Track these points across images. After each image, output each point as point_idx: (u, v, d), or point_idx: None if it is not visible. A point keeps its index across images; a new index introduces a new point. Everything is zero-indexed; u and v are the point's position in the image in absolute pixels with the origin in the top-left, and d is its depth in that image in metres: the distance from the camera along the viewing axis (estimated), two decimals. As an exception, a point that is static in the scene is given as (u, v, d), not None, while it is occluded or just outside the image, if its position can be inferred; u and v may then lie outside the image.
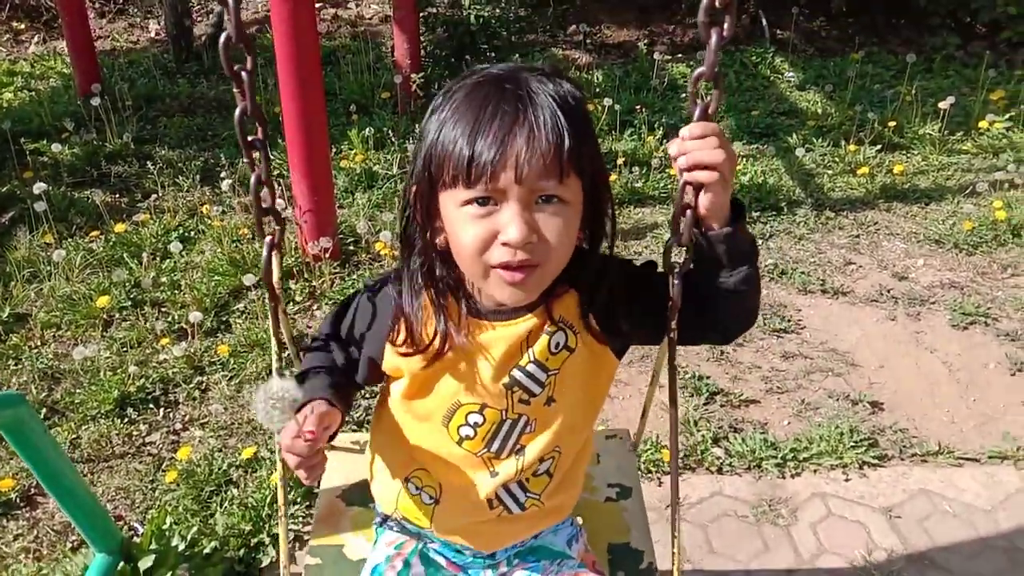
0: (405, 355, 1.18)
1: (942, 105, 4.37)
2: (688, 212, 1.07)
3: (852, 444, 2.55)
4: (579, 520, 1.45)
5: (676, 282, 1.13)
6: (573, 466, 1.32)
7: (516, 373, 1.17)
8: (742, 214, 1.10)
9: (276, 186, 3.59)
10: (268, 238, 1.23)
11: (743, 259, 1.12)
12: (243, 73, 1.10)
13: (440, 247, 1.12)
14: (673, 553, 1.29)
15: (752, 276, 1.13)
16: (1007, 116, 4.57)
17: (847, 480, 2.47)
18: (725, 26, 0.98)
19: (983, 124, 4.54)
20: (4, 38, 6.42)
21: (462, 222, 1.04)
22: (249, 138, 1.15)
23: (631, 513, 1.60)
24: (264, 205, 1.21)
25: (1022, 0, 5.73)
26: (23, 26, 6.58)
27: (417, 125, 4.48)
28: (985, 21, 5.92)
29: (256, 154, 1.17)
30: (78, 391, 2.84)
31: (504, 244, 1.02)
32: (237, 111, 1.11)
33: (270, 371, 2.86)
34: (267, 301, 1.27)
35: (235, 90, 1.11)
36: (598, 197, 1.10)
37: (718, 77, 1.01)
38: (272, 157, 4.23)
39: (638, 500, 1.63)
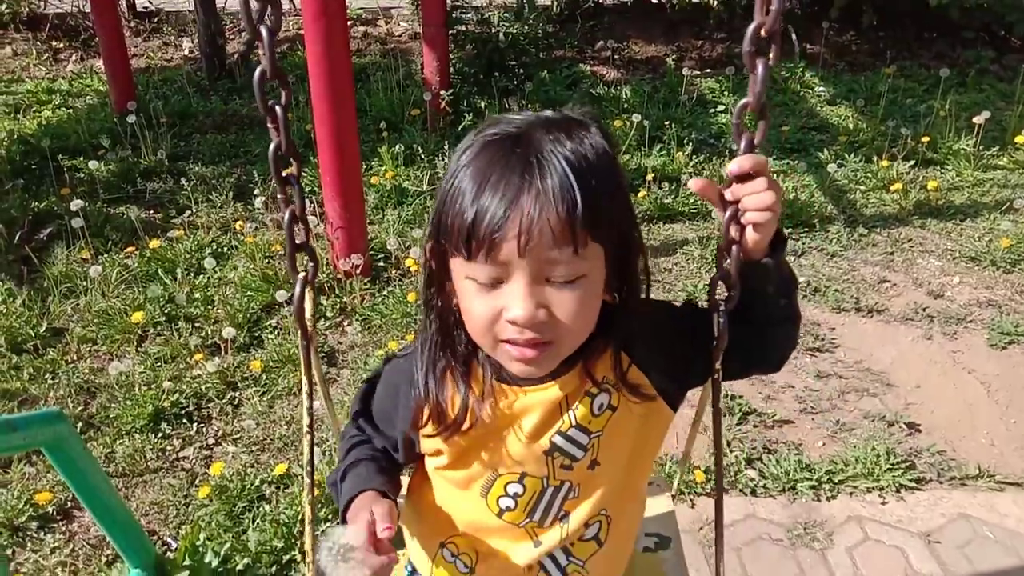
0: (435, 436, 1.12)
1: (977, 120, 4.31)
2: (734, 248, 1.02)
3: (889, 467, 2.51)
4: None
5: (722, 320, 1.07)
6: (626, 531, 1.23)
7: (556, 439, 1.09)
8: (784, 242, 1.05)
9: (308, 204, 3.64)
10: (301, 275, 1.18)
11: (788, 288, 1.09)
12: (277, 108, 1.08)
13: (456, 309, 1.04)
14: None
15: (795, 304, 1.11)
16: (1044, 131, 4.50)
17: (884, 503, 2.42)
18: (771, 55, 0.95)
19: (1019, 139, 4.47)
20: (44, 57, 6.56)
21: (467, 295, 0.98)
22: (284, 173, 1.13)
23: (670, 565, 1.53)
24: (297, 241, 1.17)
25: (1058, 13, 5.65)
26: (62, 45, 6.72)
27: (447, 142, 4.51)
28: (1021, 34, 5.85)
29: (290, 190, 1.14)
30: (113, 406, 2.88)
31: (510, 322, 0.95)
32: (271, 147, 1.10)
33: (302, 387, 2.86)
34: (300, 340, 1.23)
35: (269, 126, 1.09)
36: (626, 258, 1.01)
37: (764, 107, 0.98)
38: (304, 173, 4.32)
39: (677, 551, 1.56)
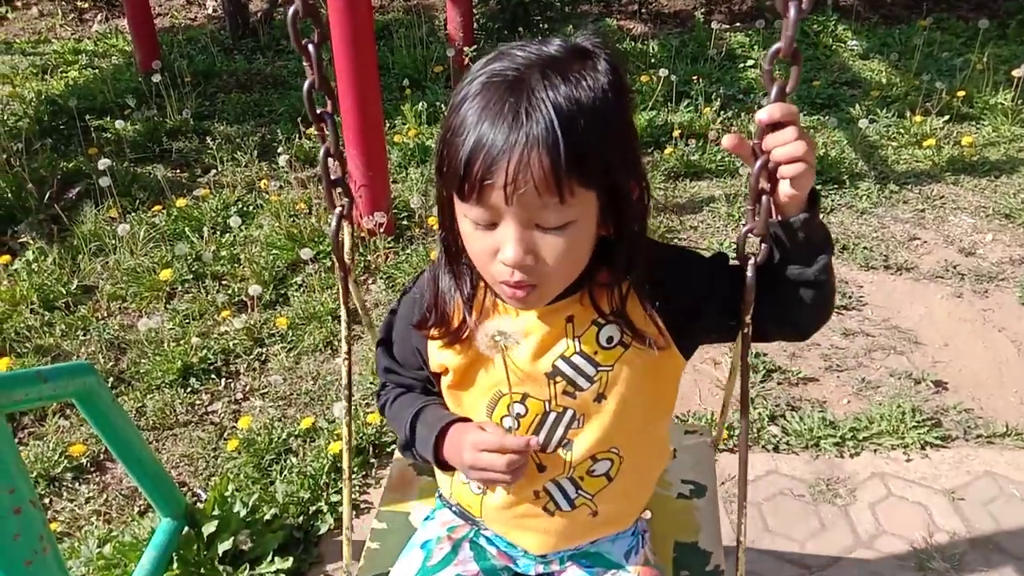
0: (441, 344, 1.16)
1: (1016, 73, 4.18)
2: (764, 199, 1.01)
3: (914, 424, 2.49)
4: (647, 515, 1.38)
5: (750, 275, 1.05)
6: (640, 474, 1.24)
7: (560, 363, 1.11)
8: (817, 199, 1.03)
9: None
10: (337, 209, 1.23)
11: (821, 247, 1.05)
12: (310, 46, 1.11)
13: (461, 238, 1.08)
14: (737, 559, 1.25)
15: (829, 265, 1.06)
16: (1086, 84, 4.35)
17: (908, 460, 2.41)
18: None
19: (1060, 92, 4.34)
20: (69, 17, 6.58)
21: (466, 231, 1.02)
22: (318, 111, 1.16)
23: (703, 512, 1.54)
24: (333, 177, 1.21)
25: (1105, -40, 5.43)
26: (86, 5, 6.73)
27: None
28: (1064, -17, 5.63)
29: (325, 127, 1.18)
30: (143, 361, 2.93)
31: (501, 262, 0.99)
32: (305, 84, 1.13)
33: (328, 344, 2.90)
34: (336, 272, 1.30)
35: (305, 63, 1.13)
36: (621, 197, 1.00)
37: (797, 53, 0.94)
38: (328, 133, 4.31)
39: (712, 500, 1.57)
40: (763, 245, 1.04)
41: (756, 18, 5.74)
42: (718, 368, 2.79)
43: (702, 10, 6.07)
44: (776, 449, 2.48)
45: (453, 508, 1.37)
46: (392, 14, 6.30)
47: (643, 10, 6.15)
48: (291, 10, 1.08)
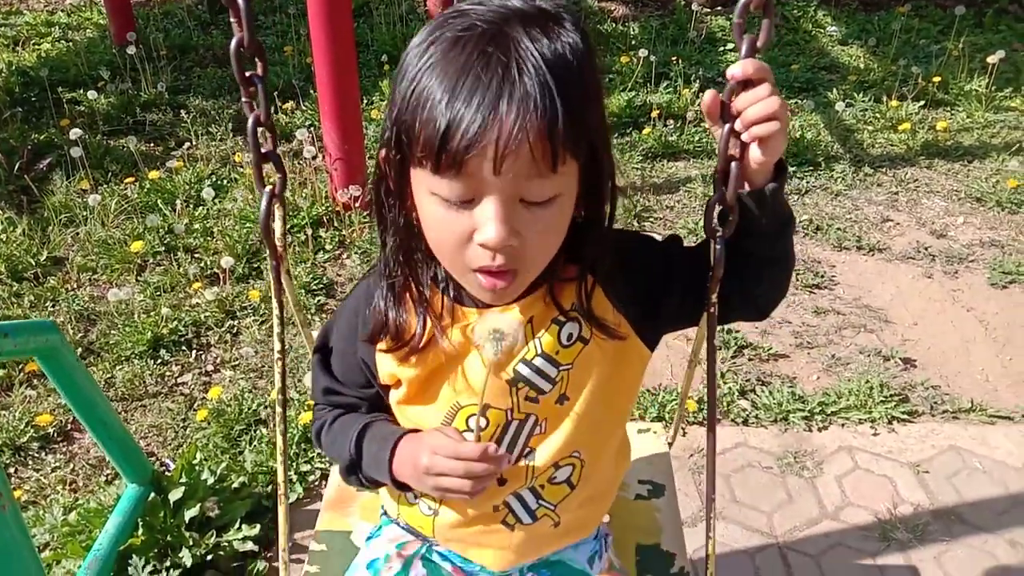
0: (393, 355, 1.05)
1: (991, 60, 4.21)
2: (733, 165, 0.93)
3: (882, 399, 2.52)
4: (605, 519, 1.31)
5: (718, 247, 0.98)
6: (602, 478, 1.16)
7: (521, 368, 1.02)
8: (784, 170, 0.96)
9: (308, 135, 3.61)
10: (267, 188, 1.08)
11: (787, 222, 1.00)
12: (239, 1, 0.98)
13: (416, 224, 0.96)
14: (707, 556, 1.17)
15: (791, 241, 1.02)
16: (1060, 72, 4.41)
17: (875, 435, 2.44)
18: None
19: (1033, 80, 4.39)
20: (42, -11, 6.45)
21: (431, 213, 0.89)
22: (247, 73, 1.02)
23: (664, 513, 1.48)
24: (263, 150, 1.06)
25: (1081, -49, 5.48)
26: (61, -23, 6.61)
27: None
28: (1041, -27, 5.68)
29: (254, 91, 1.03)
30: (113, 332, 2.90)
31: (481, 245, 0.87)
32: (233, 42, 1.00)
33: (297, 325, 2.88)
34: (268, 261, 1.14)
35: (232, 19, 1.00)
36: (597, 172, 0.93)
37: (768, 5, 0.89)
38: (304, 107, 4.27)
39: (671, 499, 1.51)
40: (731, 218, 0.97)
41: (737, 1, 5.73)
42: (690, 343, 2.80)
43: (683, -6, 6.06)
44: (745, 423, 2.50)
45: (401, 524, 1.27)
46: (372, -8, 6.24)
47: (625, -7, 6.13)
48: None
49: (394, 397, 1.11)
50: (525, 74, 0.81)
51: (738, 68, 0.89)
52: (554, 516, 1.13)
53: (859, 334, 2.88)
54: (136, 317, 2.92)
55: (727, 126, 0.92)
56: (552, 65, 0.83)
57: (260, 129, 1.05)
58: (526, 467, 1.09)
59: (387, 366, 1.07)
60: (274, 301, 1.14)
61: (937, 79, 4.38)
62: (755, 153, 0.91)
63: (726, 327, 2.86)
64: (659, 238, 1.11)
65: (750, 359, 2.75)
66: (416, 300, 1.02)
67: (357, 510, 1.50)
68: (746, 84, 0.90)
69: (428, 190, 0.88)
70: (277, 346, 1.14)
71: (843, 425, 2.47)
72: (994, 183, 3.70)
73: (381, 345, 1.06)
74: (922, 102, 4.30)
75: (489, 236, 0.85)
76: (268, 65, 1.05)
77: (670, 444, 1.64)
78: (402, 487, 1.08)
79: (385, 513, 1.32)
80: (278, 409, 1.18)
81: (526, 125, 0.80)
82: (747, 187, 0.95)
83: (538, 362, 1.03)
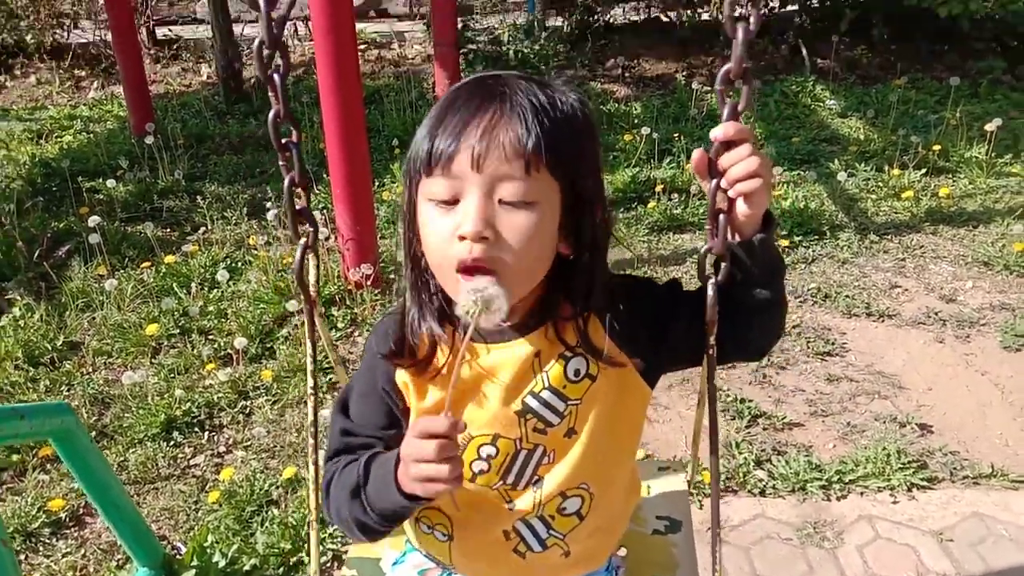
0: (411, 377, 1.10)
1: (989, 127, 4.30)
2: (721, 217, 1.01)
3: (900, 466, 2.48)
4: (622, 552, 1.35)
5: (712, 293, 1.05)
6: (611, 511, 1.20)
7: (530, 400, 1.09)
8: (772, 220, 1.04)
9: (320, 217, 3.69)
10: (302, 240, 1.21)
11: (777, 267, 1.07)
12: (275, 76, 1.12)
13: (420, 255, 1.06)
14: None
15: (783, 287, 1.09)
16: (1057, 138, 4.48)
17: (895, 503, 2.39)
18: (751, 20, 0.96)
19: (1032, 146, 4.46)
20: (66, 85, 6.73)
21: (428, 220, 0.99)
22: (283, 140, 1.17)
23: (680, 548, 1.50)
24: (297, 207, 1.20)
25: (1070, 22, 5.64)
26: (83, 73, 6.89)
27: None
28: (1032, 44, 5.84)
29: (289, 156, 1.18)
30: (126, 415, 2.91)
31: (462, 238, 0.95)
32: (271, 113, 1.13)
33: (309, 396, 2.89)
34: (303, 305, 1.26)
35: (270, 93, 1.13)
36: (583, 205, 1.01)
37: (747, 73, 0.96)
38: (317, 191, 4.37)
39: (688, 535, 1.53)
40: (723, 265, 1.03)
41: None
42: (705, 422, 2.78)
43: (683, 73, 6.25)
44: (763, 493, 2.46)
45: (423, 552, 1.31)
46: (383, 80, 6.46)
47: (626, 74, 6.32)
48: (256, 41, 1.09)
49: (420, 410, 1.13)
50: (507, 99, 0.97)
51: (720, 130, 0.97)
52: (563, 546, 1.17)
53: (873, 401, 2.85)
54: (150, 399, 2.94)
55: (714, 182, 1.00)
56: (536, 99, 0.97)
57: (295, 189, 1.20)
58: (534, 494, 1.13)
59: (413, 388, 1.12)
60: (307, 341, 1.25)
61: (937, 147, 4.45)
62: (741, 207, 0.99)
63: (739, 397, 2.85)
64: (659, 282, 1.19)
65: (764, 428, 2.73)
66: (431, 329, 1.08)
67: (386, 538, 1.53)
68: (729, 144, 0.98)
69: (425, 197, 0.99)
70: (310, 382, 1.25)
71: (862, 493, 2.43)
72: (1000, 247, 3.72)
73: (399, 362, 1.11)
74: (923, 170, 4.37)
75: (466, 226, 0.94)
76: (302, 133, 1.20)
77: (688, 482, 1.68)
78: (408, 499, 1.03)
79: (409, 540, 1.36)
80: (310, 440, 1.27)
81: (500, 129, 0.94)
82: (738, 238, 1.03)
83: (546, 395, 1.09)
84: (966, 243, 3.82)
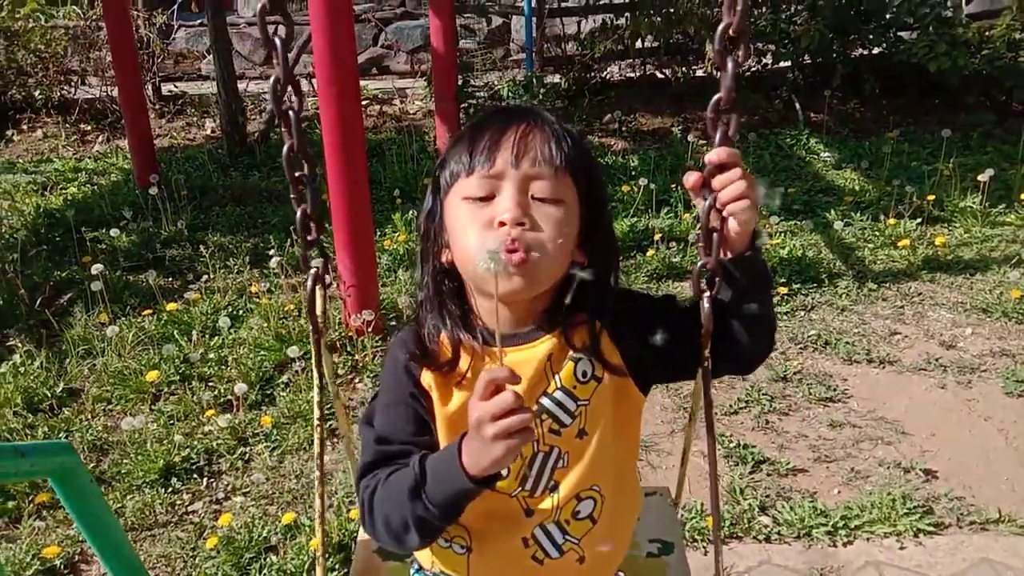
0: (436, 379, 1.14)
1: (982, 178, 4.37)
2: (715, 235, 1.09)
3: (906, 511, 2.46)
4: None
5: (707, 306, 1.12)
6: (619, 516, 1.24)
7: (544, 401, 1.15)
8: (759, 237, 1.12)
9: (325, 249, 3.71)
10: (312, 270, 1.27)
11: (764, 282, 1.16)
12: (290, 112, 1.18)
13: (447, 262, 1.15)
14: None
15: (771, 300, 1.18)
16: (1049, 188, 4.54)
17: (902, 548, 2.36)
18: (740, 53, 1.04)
19: (1025, 196, 4.52)
20: (72, 139, 6.82)
21: (463, 215, 1.09)
22: (296, 174, 1.21)
23: (674, 569, 1.56)
24: (309, 238, 1.25)
25: (1056, 77, 5.77)
26: (89, 128, 6.99)
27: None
28: (1020, 98, 5.96)
29: (303, 190, 1.23)
30: (125, 461, 2.89)
31: (500, 224, 1.05)
32: (285, 148, 1.19)
33: (312, 442, 2.85)
34: (310, 334, 1.30)
35: (283, 130, 1.18)
36: (596, 210, 1.14)
37: (734, 102, 1.05)
38: (320, 239, 4.41)
39: (680, 555, 1.59)
40: (717, 279, 1.12)
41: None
42: (703, 460, 2.76)
43: (679, 127, 6.36)
44: (768, 539, 2.43)
45: (436, 572, 1.31)
46: (385, 134, 6.56)
47: (623, 128, 6.43)
48: (272, 79, 1.15)
49: (444, 415, 1.15)
50: (538, 114, 1.13)
51: (714, 154, 1.07)
52: (579, 551, 1.20)
53: (877, 446, 2.84)
54: (149, 446, 2.92)
55: (708, 201, 1.08)
56: (558, 121, 1.14)
57: (308, 221, 1.25)
58: (552, 499, 1.17)
59: (436, 391, 1.15)
60: (314, 370, 1.29)
61: (931, 197, 4.51)
62: (732, 225, 1.08)
63: (742, 443, 2.83)
64: (656, 296, 1.28)
65: (768, 474, 2.71)
66: (450, 335, 1.15)
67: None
68: (721, 167, 1.07)
69: (460, 197, 1.09)
70: (316, 413, 1.29)
71: (868, 539, 2.40)
72: (998, 294, 3.74)
73: (425, 365, 1.15)
74: (919, 219, 4.42)
75: (505, 212, 1.05)
76: (315, 167, 1.25)
77: (675, 504, 1.71)
78: (476, 483, 1.01)
79: (419, 569, 1.36)
80: (316, 473, 1.31)
81: (535, 133, 1.09)
82: (729, 254, 1.11)
83: (559, 395, 1.15)
84: (964, 291, 3.85)
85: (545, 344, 1.14)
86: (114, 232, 4.35)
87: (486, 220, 1.07)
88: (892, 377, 3.24)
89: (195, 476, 2.84)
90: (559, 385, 1.15)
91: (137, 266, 4.36)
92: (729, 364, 1.22)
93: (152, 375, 3.25)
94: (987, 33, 6.22)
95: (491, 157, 1.07)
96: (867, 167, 5.24)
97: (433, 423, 1.16)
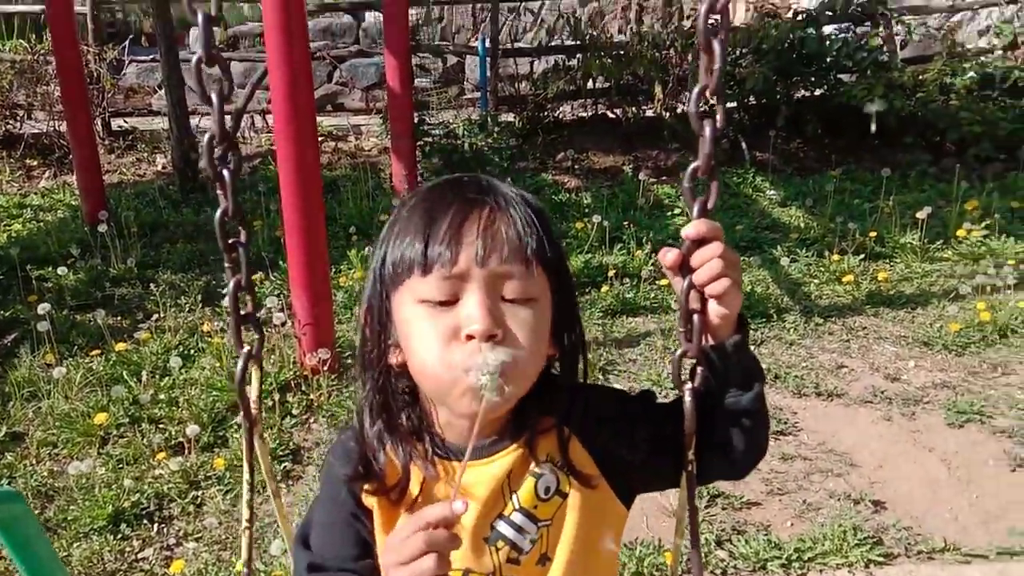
0: (379, 503, 1.02)
1: (920, 215, 4.55)
2: (695, 318, 0.96)
3: (857, 542, 2.52)
4: None
5: (689, 400, 0.98)
6: None
7: (500, 525, 1.00)
8: (746, 324, 0.99)
9: (277, 302, 3.68)
10: (245, 349, 1.11)
11: (754, 374, 1.00)
12: (225, 172, 1.05)
13: (397, 366, 0.99)
14: None
15: (763, 395, 1.01)
16: (983, 225, 4.74)
17: (854, 579, 2.42)
18: (718, 117, 0.95)
19: (961, 233, 4.71)
20: (16, 174, 6.68)
21: (418, 322, 0.92)
22: (230, 240, 1.09)
23: None
24: (242, 312, 1.10)
25: (985, 120, 6.06)
26: (35, 163, 6.86)
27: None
28: (954, 139, 6.24)
29: (236, 257, 1.10)
30: (72, 508, 2.80)
31: (469, 338, 0.90)
32: (219, 211, 1.06)
33: (266, 485, 2.83)
34: (242, 423, 1.12)
35: (219, 191, 1.06)
36: (568, 299, 1.00)
37: (715, 170, 0.95)
38: (274, 277, 4.38)
39: None
40: (699, 369, 0.98)
41: (680, 171, 6.15)
42: (663, 495, 2.80)
43: (630, 165, 6.50)
44: (724, 573, 2.46)
45: None
46: (340, 170, 6.57)
47: (576, 166, 6.54)
48: (207, 136, 1.04)
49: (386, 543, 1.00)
50: (500, 193, 0.96)
51: (692, 228, 0.94)
52: None
53: (827, 478, 2.90)
54: (97, 491, 2.84)
55: (686, 281, 0.95)
56: (521, 196, 0.98)
57: (241, 293, 1.11)
58: None
59: (379, 514, 1.03)
60: (245, 465, 1.12)
61: (873, 234, 4.68)
62: (715, 307, 0.95)
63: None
64: (632, 394, 1.13)
65: (723, 508, 2.75)
66: (397, 446, 1.00)
67: None
68: (699, 242, 0.94)
69: (415, 299, 0.93)
70: (245, 513, 1.13)
71: (821, 571, 2.45)
72: (938, 328, 3.88)
73: (367, 487, 1.02)
74: (862, 255, 4.58)
75: (476, 324, 0.89)
76: (251, 233, 1.12)
77: None
78: None
79: None
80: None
81: (501, 223, 0.92)
82: (711, 341, 0.98)
83: (517, 518, 1.01)
84: (906, 324, 3.98)
85: (507, 458, 1.00)
86: (61, 270, 4.26)
87: (450, 329, 0.91)
88: (840, 409, 3.33)
89: (145, 522, 2.77)
90: (517, 506, 1.00)
91: (85, 305, 4.27)
92: (718, 468, 1.06)
93: (100, 417, 3.17)
94: (920, 77, 6.51)
95: (452, 253, 0.90)
96: (811, 205, 5.41)
97: (375, 545, 1.04)
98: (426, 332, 0.92)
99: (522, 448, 1.00)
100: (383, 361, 1.00)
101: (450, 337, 0.91)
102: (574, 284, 1.06)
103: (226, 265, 1.10)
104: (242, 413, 1.12)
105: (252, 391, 1.12)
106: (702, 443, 1.01)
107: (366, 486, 1.02)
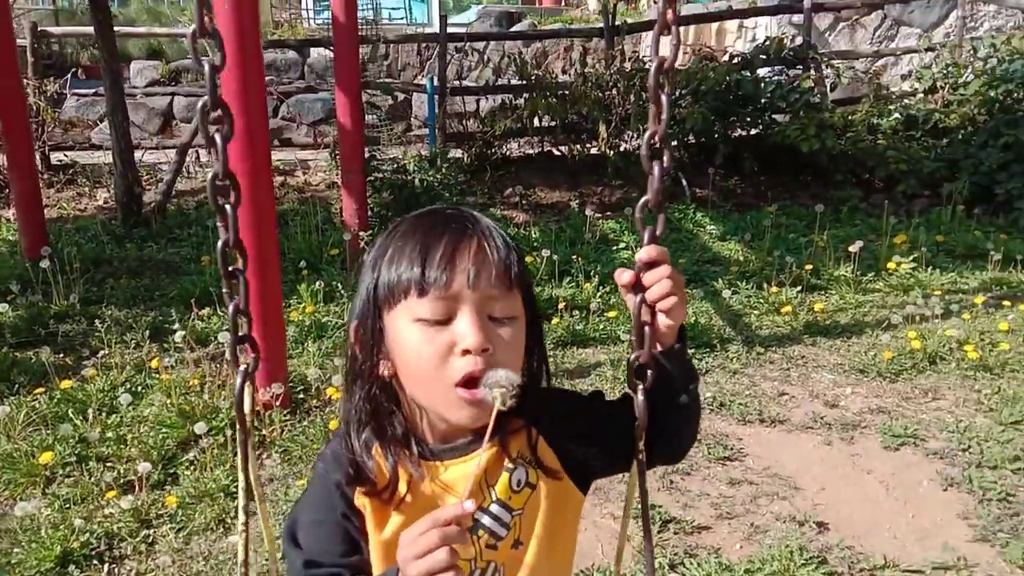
0: (371, 503, 1.12)
1: (852, 249, 4.77)
2: (647, 329, 1.11)
3: (803, 562, 2.61)
4: None
5: (641, 399, 1.13)
6: None
7: (480, 516, 1.12)
8: (685, 332, 1.16)
9: (225, 332, 3.66)
10: (243, 367, 1.21)
11: (692, 374, 1.18)
12: (227, 206, 1.16)
13: (386, 377, 1.10)
14: None
15: (698, 391, 1.19)
16: (911, 257, 4.99)
17: (801, 598, 2.51)
18: (665, 157, 1.10)
19: (891, 265, 4.95)
20: (-51, 209, 6.49)
21: (415, 339, 1.04)
22: (230, 268, 1.19)
23: None
24: (240, 334, 1.20)
25: (911, 158, 6.40)
26: (-31, 198, 6.67)
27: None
28: (882, 176, 6.57)
29: (235, 284, 1.20)
30: (16, 550, 2.73)
31: (464, 352, 1.02)
32: (220, 242, 1.17)
33: (220, 522, 2.78)
34: (237, 434, 1.22)
35: (219, 224, 1.17)
36: (534, 321, 1.14)
37: (662, 204, 1.11)
38: (222, 314, 4.34)
39: None
40: (650, 372, 1.12)
41: (624, 207, 6.33)
42: (616, 521, 2.86)
43: (576, 201, 6.65)
44: (678, 597, 2.53)
45: None
46: (287, 205, 6.56)
47: (523, 201, 6.67)
48: (211, 173, 1.15)
49: (379, 541, 1.13)
50: (482, 224, 1.09)
51: (644, 253, 1.10)
52: None
53: (773, 502, 3.01)
54: (43, 532, 2.77)
55: (639, 297, 1.10)
56: (499, 229, 1.12)
57: (239, 315, 1.21)
58: None
59: (370, 514, 1.12)
60: (240, 474, 1.22)
61: (809, 267, 4.89)
62: (663, 319, 1.11)
63: (650, 504, 2.94)
64: (584, 394, 1.28)
65: (675, 532, 2.82)
66: (385, 450, 1.11)
67: None
68: (650, 264, 1.10)
69: (411, 318, 1.05)
70: (241, 518, 1.20)
71: (770, 591, 2.54)
72: (873, 356, 4.06)
73: (361, 490, 1.11)
74: (799, 287, 4.77)
75: (470, 340, 1.02)
76: (247, 261, 1.22)
77: None
78: None
79: None
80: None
81: (487, 251, 1.06)
82: (659, 347, 1.13)
83: (494, 509, 1.13)
84: (843, 353, 4.16)
85: (484, 456, 1.09)
86: (1, 307, 4.15)
87: (445, 345, 1.03)
88: (783, 435, 3.45)
89: (95, 562, 2.71)
90: (494, 499, 1.13)
91: (27, 342, 4.17)
92: (661, 454, 1.22)
93: (46, 457, 3.10)
94: (850, 117, 6.86)
95: (447, 277, 1.03)
96: (750, 239, 5.62)
97: (365, 543, 1.14)
98: (424, 348, 1.04)
99: (496, 447, 1.12)
100: (374, 373, 1.11)
101: (446, 353, 1.03)
102: (538, 304, 1.19)
103: (225, 291, 1.20)
104: (238, 425, 1.22)
105: (247, 404, 1.22)
106: (650, 435, 1.16)
107: (359, 489, 1.12)
